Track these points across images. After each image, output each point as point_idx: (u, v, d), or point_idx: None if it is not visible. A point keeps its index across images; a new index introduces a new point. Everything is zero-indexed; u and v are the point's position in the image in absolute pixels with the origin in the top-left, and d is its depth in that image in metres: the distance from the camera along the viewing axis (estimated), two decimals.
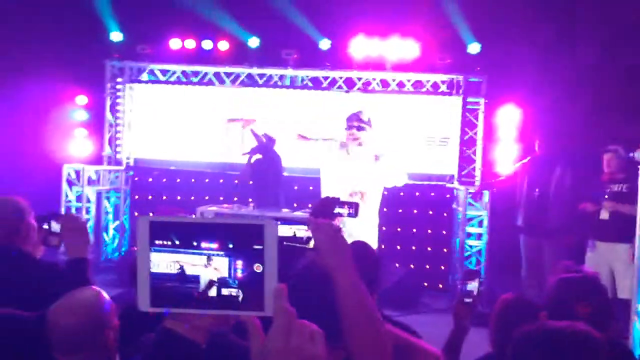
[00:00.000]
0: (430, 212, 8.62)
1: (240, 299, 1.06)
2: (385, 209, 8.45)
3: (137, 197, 9.29)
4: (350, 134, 5.72)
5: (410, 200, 8.55)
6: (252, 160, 7.43)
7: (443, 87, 8.44)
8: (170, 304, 1.11)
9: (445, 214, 8.58)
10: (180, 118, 8.96)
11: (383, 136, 8.40)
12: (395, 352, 1.57)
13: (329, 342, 1.05)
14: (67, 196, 8.34)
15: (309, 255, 1.60)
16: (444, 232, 8.55)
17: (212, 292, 1.08)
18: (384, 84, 8.59)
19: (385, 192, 8.47)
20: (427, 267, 8.50)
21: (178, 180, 9.09)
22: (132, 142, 9.10)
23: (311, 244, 1.61)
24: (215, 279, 1.07)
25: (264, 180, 7.34)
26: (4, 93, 8.17)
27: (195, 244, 1.08)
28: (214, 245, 1.07)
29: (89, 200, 8.44)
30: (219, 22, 8.38)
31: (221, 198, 8.39)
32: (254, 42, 8.57)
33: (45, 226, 2.61)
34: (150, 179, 9.23)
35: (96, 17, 8.54)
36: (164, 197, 9.11)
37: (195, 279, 1.09)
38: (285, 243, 1.68)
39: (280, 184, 7.51)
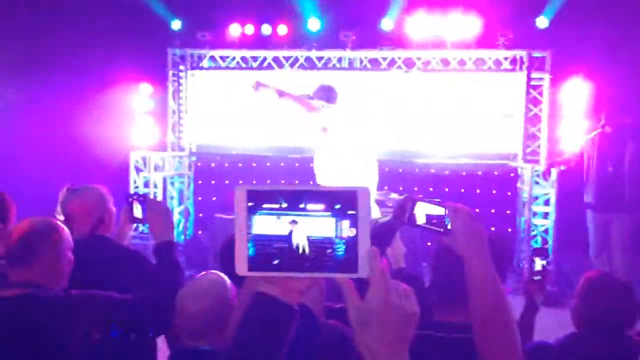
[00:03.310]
0: (494, 192, 8.47)
1: (335, 261, 1.08)
2: (446, 189, 8.42)
3: (200, 182, 9.47)
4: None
5: (472, 180, 8.43)
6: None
7: (506, 64, 8.24)
8: (267, 268, 1.13)
9: (509, 193, 8.42)
10: (240, 103, 9.06)
11: (443, 115, 8.32)
12: None
13: None
14: (134, 182, 8.60)
15: (443, 240, 1.60)
16: (508, 211, 8.39)
17: (308, 254, 1.11)
18: (444, 62, 8.45)
19: (447, 172, 8.43)
20: None
21: (240, 164, 9.22)
22: (195, 128, 9.27)
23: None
24: (308, 242, 1.09)
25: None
26: (70, 82, 8.44)
27: (302, 206, 1.10)
28: (319, 207, 1.10)
29: (155, 186, 8.66)
30: (278, 6, 8.41)
31: (282, 181, 8.47)
32: (312, 25, 8.56)
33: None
34: (213, 164, 9.40)
35: (157, 6, 8.70)
36: (227, 182, 9.25)
37: (289, 240, 1.11)
38: (419, 225, 1.70)
39: None
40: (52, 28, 8.29)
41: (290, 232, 1.12)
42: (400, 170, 8.56)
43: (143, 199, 2.59)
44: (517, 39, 8.03)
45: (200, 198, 9.47)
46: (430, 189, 8.24)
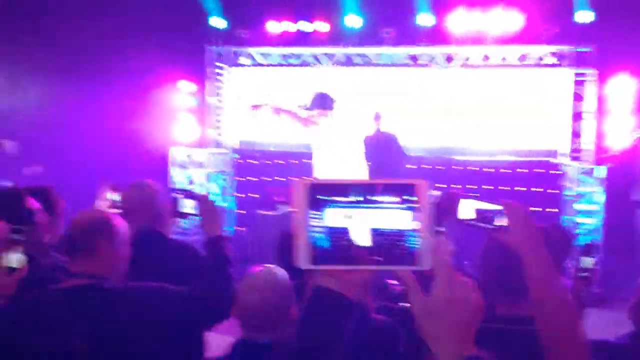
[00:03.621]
0: (536, 189, 8.32)
1: (396, 254, 1.08)
2: (488, 186, 8.30)
3: (241, 178, 9.54)
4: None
5: (514, 177, 8.29)
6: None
7: (549, 59, 8.07)
8: (329, 261, 1.14)
9: (552, 191, 8.25)
10: (279, 99, 9.09)
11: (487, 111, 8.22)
12: None
13: None
14: (174, 178, 8.70)
15: (495, 236, 1.60)
16: (551, 209, 8.23)
17: (369, 248, 1.10)
18: (486, 58, 8.33)
19: (492, 169, 8.31)
20: None
21: (280, 161, 9.25)
22: (235, 125, 9.34)
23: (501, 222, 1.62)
24: (369, 235, 1.09)
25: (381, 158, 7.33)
26: (110, 79, 8.58)
27: (362, 198, 1.10)
28: (382, 199, 1.10)
29: (193, 183, 8.75)
30: (317, 3, 8.41)
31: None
32: (351, 21, 8.52)
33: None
34: (253, 161, 9.45)
35: (196, 4, 8.78)
36: (267, 179, 9.30)
37: (350, 233, 1.11)
38: (468, 222, 1.70)
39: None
40: (96, 28, 8.44)
41: (351, 226, 1.11)
42: (439, 168, 8.48)
43: (191, 195, 2.63)
44: (562, 34, 7.86)
45: (241, 194, 9.54)
46: (470, 186, 8.14)
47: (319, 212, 1.11)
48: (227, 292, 2.22)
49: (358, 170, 6.04)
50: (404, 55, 8.63)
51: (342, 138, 6.01)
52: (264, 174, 9.34)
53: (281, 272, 2.14)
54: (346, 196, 1.11)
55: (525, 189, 8.29)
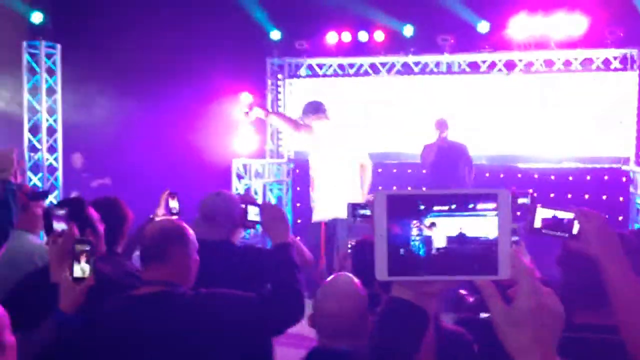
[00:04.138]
0: (604, 197, 8.06)
1: (475, 263, 1.08)
2: (552, 194, 8.10)
3: (298, 188, 9.62)
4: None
5: (580, 185, 8.06)
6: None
7: (615, 63, 7.84)
8: (407, 273, 1.14)
9: (621, 199, 7.98)
10: (337, 109, 9.14)
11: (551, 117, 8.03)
12: None
13: None
14: (236, 189, 8.85)
15: (570, 244, 1.58)
16: (620, 217, 7.95)
17: (448, 258, 1.11)
18: (548, 63, 8.16)
19: (552, 177, 8.10)
20: None
21: None
22: (292, 136, 9.42)
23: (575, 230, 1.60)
24: (448, 245, 1.09)
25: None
26: (174, 93, 8.82)
27: (441, 208, 1.11)
28: (462, 208, 1.11)
29: (255, 193, 8.88)
30: (374, 13, 8.43)
31: (380, 187, 8.45)
32: (409, 30, 8.51)
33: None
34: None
35: (256, 18, 8.95)
36: None
37: (428, 244, 1.12)
38: (543, 231, 1.68)
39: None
40: (160, 44, 8.70)
41: (430, 236, 1.12)
42: (502, 176, 8.33)
43: (256, 203, 2.67)
44: (628, 37, 7.63)
45: (298, 204, 9.61)
46: (535, 194, 7.94)
47: (398, 223, 1.13)
48: (297, 298, 2.23)
49: (353, 178, 6.08)
50: (463, 63, 8.54)
51: (339, 144, 6.06)
52: None
53: (355, 281, 2.15)
54: (425, 206, 1.12)
55: (589, 196, 8.05)
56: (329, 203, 5.98)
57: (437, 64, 8.65)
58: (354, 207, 2.42)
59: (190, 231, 2.31)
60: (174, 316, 2.11)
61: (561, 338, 1.10)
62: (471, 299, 2.66)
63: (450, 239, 1.09)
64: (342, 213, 2.62)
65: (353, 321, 2.04)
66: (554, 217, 1.70)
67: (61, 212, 2.39)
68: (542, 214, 1.74)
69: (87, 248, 2.06)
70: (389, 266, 1.12)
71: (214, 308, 2.13)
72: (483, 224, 1.08)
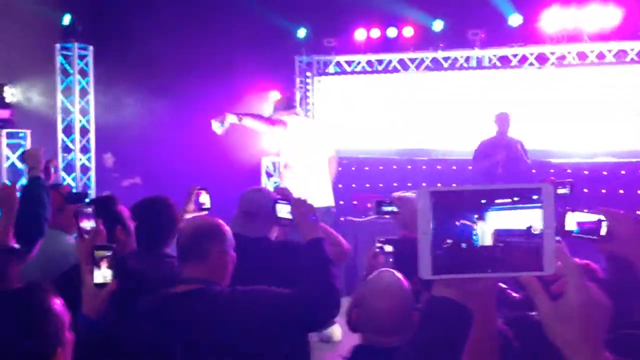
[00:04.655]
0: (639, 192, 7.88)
1: (520, 259, 1.07)
2: (585, 190, 7.95)
3: None
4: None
5: (616, 180, 7.89)
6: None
7: None
8: (451, 270, 1.12)
9: None
10: (366, 106, 9.13)
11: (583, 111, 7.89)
12: None
13: None
14: (265, 187, 8.88)
15: (602, 247, 1.55)
16: None
17: (493, 255, 1.08)
18: (581, 56, 8.01)
19: (585, 172, 7.93)
20: None
21: (366, 168, 9.25)
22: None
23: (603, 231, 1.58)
24: (494, 241, 1.07)
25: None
26: (203, 92, 8.88)
27: (488, 203, 1.09)
28: (509, 203, 1.09)
29: None
30: (403, 8, 8.37)
31: (409, 184, 8.40)
32: (438, 25, 8.43)
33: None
34: (340, 168, 9.48)
35: (284, 15, 8.95)
36: (353, 185, 9.32)
37: (474, 241, 1.10)
38: (573, 234, 1.67)
39: None
40: (189, 44, 8.77)
41: (474, 232, 1.10)
42: (534, 171, 8.20)
43: (287, 199, 2.65)
44: None
45: None
46: (573, 183, 7.79)
47: (442, 220, 1.11)
48: (332, 293, 2.22)
49: (323, 171, 6.13)
50: (494, 57, 8.43)
51: (310, 138, 6.07)
52: (351, 181, 9.36)
53: (399, 277, 2.14)
54: (470, 202, 1.10)
55: (623, 191, 7.89)
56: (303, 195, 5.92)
57: (467, 59, 8.56)
58: (378, 204, 2.39)
59: (227, 228, 2.32)
60: (210, 314, 2.11)
61: (618, 336, 1.08)
62: (515, 295, 2.62)
63: (494, 235, 1.08)
64: (316, 203, 2.63)
65: (400, 317, 2.04)
66: (582, 220, 1.69)
67: (89, 210, 2.41)
68: (571, 216, 1.73)
69: (108, 253, 2.04)
70: (433, 264, 1.10)
71: (251, 305, 2.14)
72: (527, 219, 1.07)
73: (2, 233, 2.64)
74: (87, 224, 2.37)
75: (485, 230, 1.09)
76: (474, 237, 1.09)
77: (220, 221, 2.35)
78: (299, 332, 2.44)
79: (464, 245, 1.10)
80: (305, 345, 2.69)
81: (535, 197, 1.06)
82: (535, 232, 1.07)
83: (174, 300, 2.16)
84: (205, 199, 3.50)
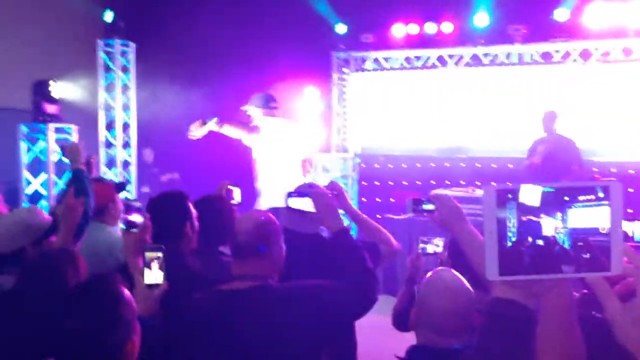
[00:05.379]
0: None
1: (587, 259, 1.04)
2: (630, 189, 7.74)
3: (364, 182, 9.58)
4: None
5: None
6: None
7: None
8: (518, 271, 1.10)
9: None
10: (403, 103, 9.06)
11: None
12: None
13: None
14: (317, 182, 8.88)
15: None
16: None
17: (562, 254, 1.06)
18: (626, 52, 7.80)
19: (632, 171, 7.73)
20: None
21: (404, 165, 9.20)
22: (358, 130, 9.41)
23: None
24: (567, 240, 1.05)
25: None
26: (242, 88, 8.90)
27: (560, 201, 1.07)
28: (581, 200, 1.07)
29: None
30: (442, 3, 8.28)
31: (447, 182, 8.31)
32: (479, 20, 8.31)
33: None
34: (377, 165, 9.46)
35: (322, 11, 8.94)
36: (390, 183, 9.28)
37: (535, 239, 1.09)
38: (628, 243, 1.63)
39: None
40: (227, 40, 8.83)
41: (542, 231, 1.08)
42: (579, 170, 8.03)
43: (306, 193, 2.60)
44: None
45: (364, 199, 9.58)
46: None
47: (508, 218, 1.08)
48: (371, 278, 2.26)
49: (293, 171, 5.95)
50: (536, 53, 8.28)
51: (284, 139, 5.95)
52: (388, 179, 9.32)
53: (459, 277, 2.11)
54: (537, 200, 1.07)
55: None
56: (272, 194, 5.86)
57: (508, 55, 8.42)
58: (414, 202, 2.35)
59: (277, 221, 2.33)
60: (272, 310, 2.13)
61: None
62: (576, 294, 2.56)
63: (561, 234, 1.06)
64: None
65: (461, 318, 2.01)
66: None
67: (138, 204, 2.45)
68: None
69: (159, 254, 2.06)
70: (500, 265, 1.08)
71: (308, 299, 2.15)
72: (594, 218, 1.04)
73: (63, 238, 2.70)
74: (135, 218, 2.40)
75: (552, 228, 1.07)
76: (541, 236, 1.07)
77: (272, 215, 2.35)
78: (349, 321, 2.47)
79: (530, 244, 1.08)
80: (353, 334, 2.74)
81: (601, 194, 1.04)
82: (603, 232, 1.04)
83: (230, 297, 2.17)
84: (236, 194, 3.53)
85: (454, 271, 2.14)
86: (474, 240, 2.06)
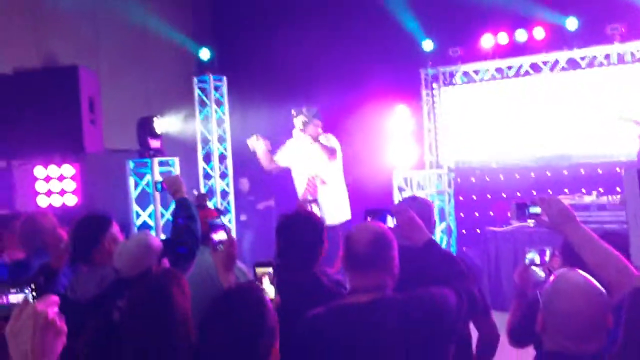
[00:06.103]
0: None
1: None
2: None
3: (461, 198, 9.39)
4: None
5: None
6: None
7: None
8: None
9: None
10: (496, 114, 8.85)
11: None
12: None
13: None
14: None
15: None
16: None
17: None
18: None
19: None
20: None
21: (501, 177, 8.94)
22: (451, 145, 9.26)
23: None
24: None
25: None
26: (331, 110, 8.97)
27: None
28: None
29: None
30: (532, 8, 8.05)
31: (550, 191, 7.99)
32: (571, 23, 8.02)
33: None
34: (473, 179, 9.25)
35: (409, 28, 8.92)
36: (488, 196, 9.04)
37: None
38: None
39: None
40: (315, 62, 8.97)
41: None
42: None
43: (388, 211, 2.67)
44: None
45: (462, 214, 9.38)
46: None
47: None
48: (474, 285, 2.38)
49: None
50: (637, 52, 7.88)
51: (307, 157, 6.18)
52: (485, 192, 9.09)
53: (586, 276, 2.00)
54: None
55: None
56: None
57: (607, 56, 8.05)
58: (519, 207, 2.25)
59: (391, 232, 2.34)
60: (394, 321, 2.13)
61: None
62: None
63: None
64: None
65: (595, 320, 1.89)
66: None
67: (218, 221, 2.54)
68: None
69: (269, 270, 2.09)
70: None
71: (423, 306, 2.17)
72: None
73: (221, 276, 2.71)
74: (221, 236, 2.48)
75: None
76: None
77: (385, 226, 2.37)
78: (463, 322, 2.52)
79: None
80: (470, 337, 2.80)
81: None
82: None
83: (357, 310, 2.17)
84: (315, 210, 3.60)
85: (580, 271, 2.03)
86: (590, 240, 1.96)
